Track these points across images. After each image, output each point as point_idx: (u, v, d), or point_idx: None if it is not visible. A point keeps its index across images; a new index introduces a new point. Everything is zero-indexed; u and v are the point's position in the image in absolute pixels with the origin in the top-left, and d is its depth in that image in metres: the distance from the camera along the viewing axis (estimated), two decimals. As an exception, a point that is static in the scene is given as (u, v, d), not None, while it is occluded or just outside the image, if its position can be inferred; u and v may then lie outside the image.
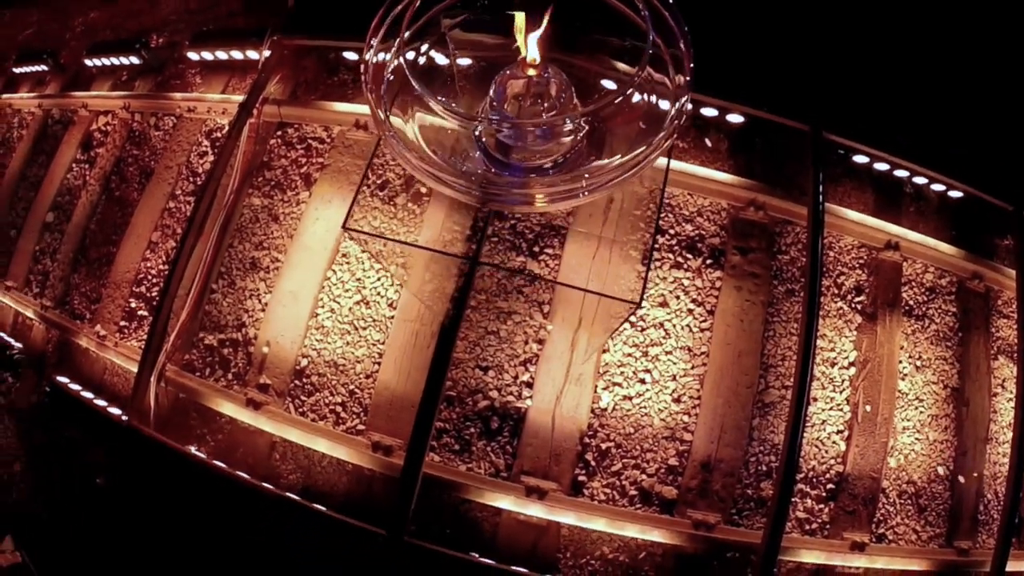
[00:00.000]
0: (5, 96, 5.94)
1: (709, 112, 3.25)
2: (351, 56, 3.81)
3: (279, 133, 3.85)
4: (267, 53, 3.96)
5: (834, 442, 3.00)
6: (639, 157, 1.14)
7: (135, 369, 3.31)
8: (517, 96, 1.30)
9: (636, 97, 1.26)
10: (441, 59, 1.42)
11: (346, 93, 3.80)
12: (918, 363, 3.22)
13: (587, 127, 1.31)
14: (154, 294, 3.72)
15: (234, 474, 2.69)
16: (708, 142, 3.33)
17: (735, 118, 3.25)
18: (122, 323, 3.76)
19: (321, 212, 3.40)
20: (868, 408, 3.08)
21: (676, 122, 1.17)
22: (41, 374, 4.04)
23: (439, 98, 1.18)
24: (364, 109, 3.59)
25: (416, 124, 1.31)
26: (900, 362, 3.18)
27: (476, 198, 1.22)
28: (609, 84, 1.48)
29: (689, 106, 1.23)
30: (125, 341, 3.69)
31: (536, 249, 2.94)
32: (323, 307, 3.14)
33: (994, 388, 3.36)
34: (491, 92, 1.29)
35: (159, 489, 2.87)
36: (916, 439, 3.13)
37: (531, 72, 1.26)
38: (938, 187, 3.50)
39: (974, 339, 3.38)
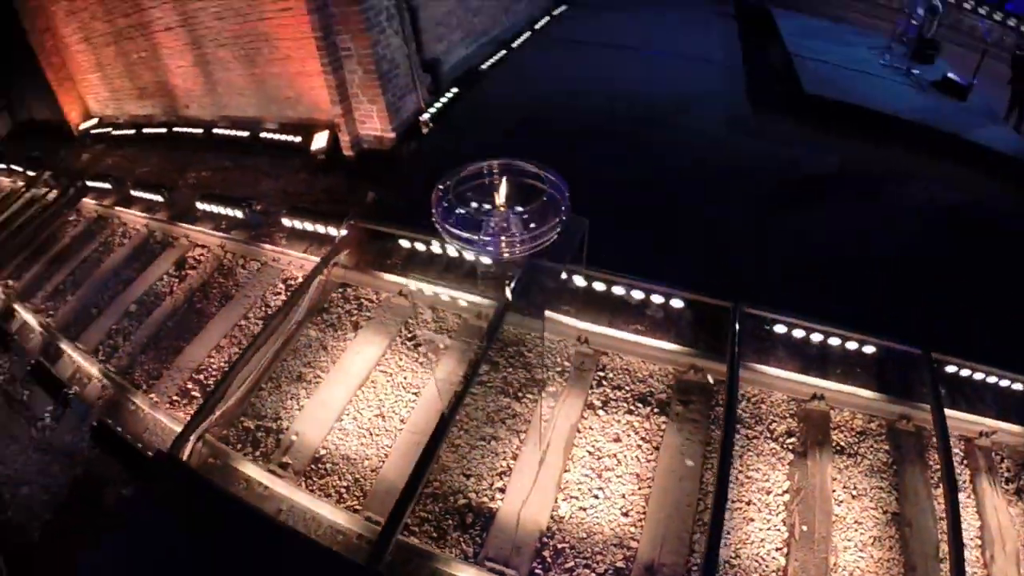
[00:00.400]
0: (118, 208, 7.39)
1: (657, 299, 4.29)
2: (404, 244, 5.20)
3: (340, 289, 5.16)
4: (344, 232, 5.39)
5: (774, 558, 3.39)
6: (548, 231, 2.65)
7: (178, 429, 4.22)
8: (498, 218, 2.75)
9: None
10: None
11: (395, 270, 5.12)
12: (854, 492, 3.62)
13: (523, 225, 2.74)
14: (210, 383, 4.75)
15: (252, 505, 3.56)
16: (649, 312, 4.35)
17: (677, 302, 4.27)
18: (175, 398, 4.74)
19: (361, 350, 4.56)
20: (804, 528, 3.43)
21: (558, 218, 2.65)
22: (84, 420, 4.91)
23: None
24: (407, 282, 4.90)
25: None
26: (835, 491, 3.59)
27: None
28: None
29: (564, 218, 2.65)
30: (173, 411, 4.64)
31: (519, 394, 4.05)
32: (348, 415, 4.17)
33: (941, 513, 3.53)
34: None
35: (181, 516, 3.64)
36: (859, 557, 3.40)
37: (501, 208, 2.73)
38: (852, 344, 4.02)
39: (909, 471, 3.71)
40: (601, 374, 4.08)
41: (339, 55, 6.90)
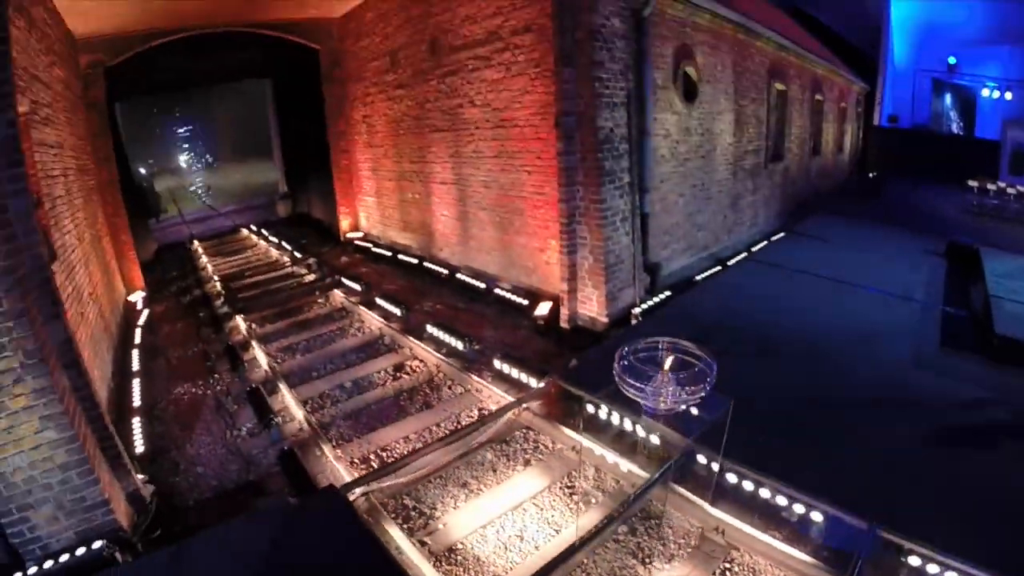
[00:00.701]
0: (360, 308, 9.28)
1: (799, 508, 4.59)
2: (589, 408, 6.13)
3: (524, 430, 6.19)
4: (541, 385, 6.54)
5: None
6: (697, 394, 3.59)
7: (348, 479, 5.33)
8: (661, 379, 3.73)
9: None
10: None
11: (576, 427, 5.90)
12: None
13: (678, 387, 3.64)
14: (390, 460, 5.91)
15: (388, 551, 4.49)
16: (787, 515, 4.66)
17: (817, 515, 4.51)
18: (356, 460, 5.80)
19: (524, 481, 5.43)
20: None
21: (704, 384, 3.61)
22: (274, 444, 6.20)
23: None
24: (581, 439, 5.70)
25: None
26: None
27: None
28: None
29: (709, 387, 3.61)
30: (351, 469, 5.79)
31: (647, 560, 4.70)
32: (492, 526, 4.96)
33: None
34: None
35: (324, 535, 4.62)
36: None
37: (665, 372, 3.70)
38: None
39: None
40: (727, 565, 4.50)
41: (576, 242, 8.43)
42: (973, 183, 20.22)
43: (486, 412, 6.54)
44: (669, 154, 9.83)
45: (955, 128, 33.17)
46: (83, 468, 4.50)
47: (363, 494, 5.18)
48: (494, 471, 5.62)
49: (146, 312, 10.93)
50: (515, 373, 6.98)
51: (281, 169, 23.06)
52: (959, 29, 30.20)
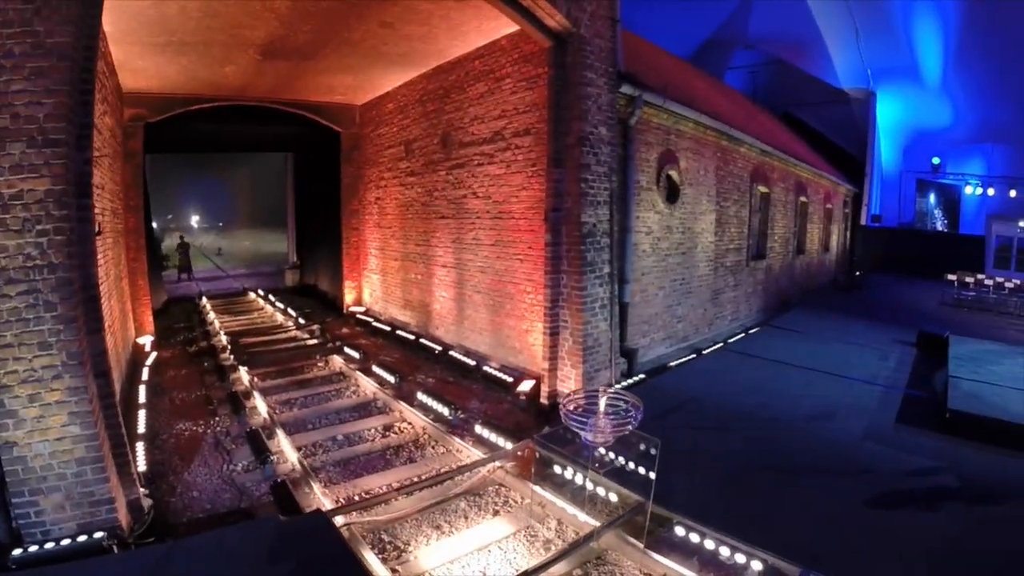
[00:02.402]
0: (358, 373, 10.08)
1: (740, 557, 5.16)
2: (557, 469, 6.74)
3: (498, 486, 6.92)
4: (516, 447, 7.32)
5: None
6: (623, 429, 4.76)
7: (329, 506, 6.10)
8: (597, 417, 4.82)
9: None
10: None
11: (544, 487, 6.57)
12: None
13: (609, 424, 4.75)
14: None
15: (367, 570, 5.18)
16: (731, 563, 5.23)
17: (756, 564, 5.03)
18: (341, 499, 6.46)
19: (492, 527, 6.00)
20: None
21: (631, 421, 4.85)
22: (267, 479, 6.96)
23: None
24: (545, 494, 6.41)
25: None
26: None
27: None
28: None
29: (633, 425, 4.64)
30: (335, 506, 6.50)
31: None
32: (459, 562, 5.43)
33: None
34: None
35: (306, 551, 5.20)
36: None
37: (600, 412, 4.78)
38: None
39: None
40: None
41: (558, 324, 9.32)
42: (952, 277, 21.20)
43: (467, 463, 7.29)
44: (651, 249, 10.92)
45: (940, 225, 34.73)
46: (97, 466, 5.27)
47: (345, 525, 5.89)
48: (466, 519, 6.33)
49: (154, 355, 11.97)
50: (494, 437, 7.81)
51: (292, 240, 24.35)
52: (943, 131, 32.00)
